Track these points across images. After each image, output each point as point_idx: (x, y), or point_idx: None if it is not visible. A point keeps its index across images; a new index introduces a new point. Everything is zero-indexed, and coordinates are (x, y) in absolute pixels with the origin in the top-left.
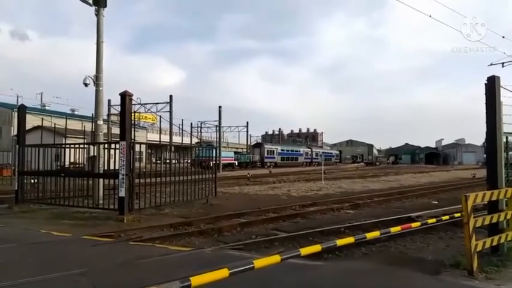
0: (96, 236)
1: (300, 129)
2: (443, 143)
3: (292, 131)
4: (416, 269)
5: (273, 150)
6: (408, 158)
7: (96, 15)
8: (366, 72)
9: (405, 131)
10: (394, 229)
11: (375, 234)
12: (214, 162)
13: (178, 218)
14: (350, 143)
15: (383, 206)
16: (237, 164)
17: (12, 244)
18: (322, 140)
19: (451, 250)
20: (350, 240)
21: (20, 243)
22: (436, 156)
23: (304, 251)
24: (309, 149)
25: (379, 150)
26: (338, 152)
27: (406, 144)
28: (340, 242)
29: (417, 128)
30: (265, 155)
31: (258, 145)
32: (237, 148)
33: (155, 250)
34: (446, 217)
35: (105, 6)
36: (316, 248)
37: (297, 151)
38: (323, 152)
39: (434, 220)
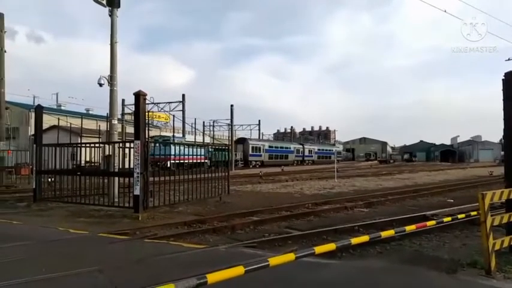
0: (112, 233)
1: (312, 127)
2: (459, 140)
3: (304, 129)
4: (432, 268)
5: (259, 147)
6: (423, 155)
7: (110, 16)
8: (377, 69)
9: (420, 128)
10: (409, 228)
11: (389, 232)
12: (172, 161)
13: (192, 215)
14: (363, 140)
15: (397, 204)
16: (208, 163)
17: (31, 241)
18: (334, 138)
19: (468, 249)
20: (365, 238)
21: (39, 240)
22: (451, 154)
23: (319, 249)
24: (301, 146)
25: (393, 148)
26: (340, 149)
27: (421, 141)
28: (354, 240)
29: (432, 125)
30: (250, 152)
31: (241, 140)
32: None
33: (170, 247)
34: (463, 215)
35: (119, 7)
36: (331, 246)
37: (287, 148)
38: (319, 149)
39: (449, 219)
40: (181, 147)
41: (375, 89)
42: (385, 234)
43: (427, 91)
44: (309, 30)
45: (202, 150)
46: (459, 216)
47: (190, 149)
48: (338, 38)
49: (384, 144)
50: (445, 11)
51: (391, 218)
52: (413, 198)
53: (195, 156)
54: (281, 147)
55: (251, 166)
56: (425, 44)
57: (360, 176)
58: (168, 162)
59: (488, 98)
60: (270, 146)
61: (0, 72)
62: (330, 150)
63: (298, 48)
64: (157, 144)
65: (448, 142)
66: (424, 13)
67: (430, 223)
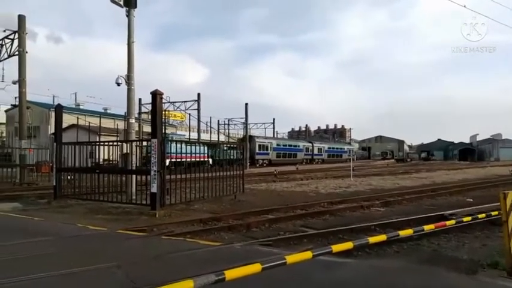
0: (130, 230)
1: (327, 126)
2: (479, 138)
3: (319, 127)
4: (451, 268)
5: (267, 145)
6: (441, 154)
7: (127, 16)
8: (393, 65)
9: (437, 127)
10: (428, 227)
11: (408, 232)
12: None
13: (208, 213)
14: (379, 139)
15: (415, 204)
16: (211, 162)
17: (51, 237)
18: (350, 136)
19: (488, 249)
20: (382, 238)
21: (59, 236)
22: (470, 152)
23: (336, 247)
24: (310, 144)
25: (410, 147)
26: (352, 147)
27: (439, 139)
28: (372, 239)
29: (450, 124)
30: (257, 150)
31: (249, 139)
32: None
33: (186, 244)
34: (483, 215)
35: (136, 7)
36: (348, 245)
37: (296, 146)
38: (329, 147)
39: (469, 218)
40: (181, 145)
41: (391, 86)
42: (403, 233)
43: (446, 88)
44: (324, 26)
45: (204, 148)
46: (479, 216)
47: (191, 147)
48: (353, 33)
49: (401, 142)
50: (464, 6)
51: (408, 217)
52: (431, 198)
53: (195, 155)
54: (289, 146)
55: (258, 165)
56: (444, 38)
57: (376, 174)
58: (167, 161)
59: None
60: (277, 144)
61: (22, 72)
62: (341, 148)
63: (313, 44)
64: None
65: (467, 140)
66: (443, 6)
67: (449, 223)
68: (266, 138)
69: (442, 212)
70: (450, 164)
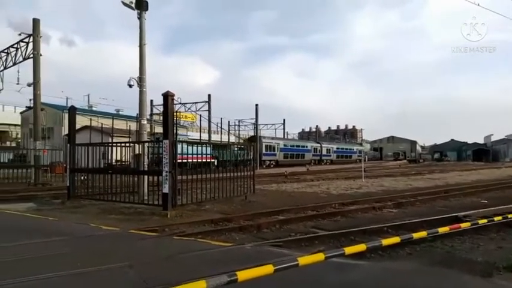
0: (142, 230)
1: (337, 126)
2: (493, 138)
3: (329, 127)
4: (465, 271)
5: (274, 146)
6: (454, 155)
7: (138, 18)
8: (405, 65)
9: (451, 127)
10: (442, 229)
11: (421, 234)
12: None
13: (219, 214)
14: (391, 139)
15: (428, 205)
16: (216, 163)
17: (65, 237)
18: (361, 137)
19: (504, 252)
20: (396, 240)
21: (73, 236)
22: (484, 153)
23: (349, 249)
24: (318, 144)
25: (422, 147)
26: (362, 147)
27: (452, 140)
28: (385, 241)
29: (463, 124)
30: (264, 151)
31: (253, 139)
32: None
33: (198, 244)
34: (499, 217)
35: (147, 9)
36: (361, 247)
37: (303, 147)
38: (338, 148)
39: (485, 220)
40: (181, 145)
41: (403, 87)
42: (417, 235)
43: (459, 87)
44: (334, 27)
45: (208, 149)
46: (495, 218)
47: (192, 148)
48: (364, 33)
49: (413, 143)
50: (478, 5)
51: (421, 219)
52: (445, 199)
53: (198, 156)
54: (297, 146)
55: (264, 166)
56: (455, 37)
57: (388, 175)
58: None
59: None
60: (284, 145)
61: (36, 75)
62: (350, 149)
63: (324, 45)
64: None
65: (481, 141)
66: (454, 5)
67: (464, 225)
68: (273, 138)
69: (456, 214)
70: (464, 165)
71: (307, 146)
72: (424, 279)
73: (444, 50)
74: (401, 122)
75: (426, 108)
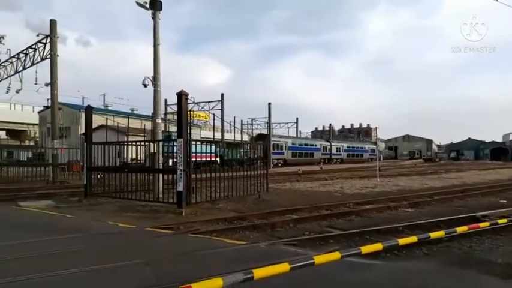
0: (157, 227)
1: (351, 125)
2: None
3: (343, 126)
4: (483, 272)
5: (281, 145)
6: (471, 153)
7: (152, 18)
8: (420, 63)
9: (468, 125)
10: (460, 229)
11: (439, 233)
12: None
13: (233, 212)
14: (407, 138)
15: (444, 205)
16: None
17: (83, 234)
18: (376, 136)
19: None
20: (412, 239)
21: (91, 233)
22: (503, 152)
23: (365, 249)
24: (328, 143)
25: (439, 146)
26: (374, 146)
27: (469, 139)
28: (402, 241)
29: (481, 122)
30: (271, 150)
31: (260, 137)
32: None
33: (212, 242)
34: None
35: (161, 9)
36: (377, 246)
37: (312, 145)
38: (348, 147)
39: (505, 220)
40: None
41: (418, 84)
42: (434, 235)
43: (476, 85)
44: (347, 25)
45: (212, 147)
46: None
47: (196, 146)
48: (378, 31)
49: (429, 141)
50: (497, 0)
51: (438, 218)
52: (462, 199)
53: (201, 154)
54: (305, 145)
55: (272, 165)
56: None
57: (404, 175)
58: (170, 161)
59: None
60: (293, 143)
61: (53, 75)
62: (361, 147)
63: (337, 44)
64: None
65: (499, 139)
66: (472, 2)
67: (483, 224)
68: (281, 137)
69: (474, 214)
70: (481, 164)
71: (316, 145)
72: (441, 279)
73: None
74: (417, 120)
75: (442, 106)
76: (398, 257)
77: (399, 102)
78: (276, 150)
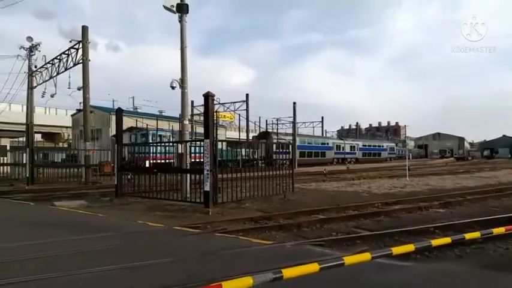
0: (185, 227)
1: (379, 123)
2: None
3: (370, 125)
4: None
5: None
6: (506, 151)
7: (179, 21)
8: (449, 59)
9: (502, 122)
10: (497, 230)
11: (474, 234)
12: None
13: (258, 212)
14: (437, 136)
15: (478, 205)
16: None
17: (114, 233)
18: (405, 134)
19: None
20: (446, 240)
21: (122, 232)
22: None
23: (396, 250)
24: (341, 141)
25: (471, 144)
26: (393, 144)
27: (504, 136)
28: (435, 242)
29: None
30: (275, 149)
31: (264, 135)
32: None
33: (239, 242)
34: None
35: (188, 12)
36: (409, 247)
37: (324, 144)
38: (364, 145)
39: None
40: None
41: (448, 80)
42: (469, 236)
43: (507, 81)
44: (372, 21)
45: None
46: None
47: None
48: (404, 27)
49: (461, 139)
50: None
51: (471, 219)
52: (497, 199)
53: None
54: (315, 143)
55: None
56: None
57: (435, 174)
58: (147, 162)
59: None
60: (301, 142)
61: (85, 79)
62: (378, 146)
63: (362, 41)
64: (137, 140)
65: None
66: None
67: None
68: (287, 135)
69: (510, 215)
70: None
71: (327, 143)
72: (474, 281)
73: (494, 42)
74: (448, 117)
75: (475, 102)
76: (429, 258)
77: (429, 100)
78: (279, 150)
